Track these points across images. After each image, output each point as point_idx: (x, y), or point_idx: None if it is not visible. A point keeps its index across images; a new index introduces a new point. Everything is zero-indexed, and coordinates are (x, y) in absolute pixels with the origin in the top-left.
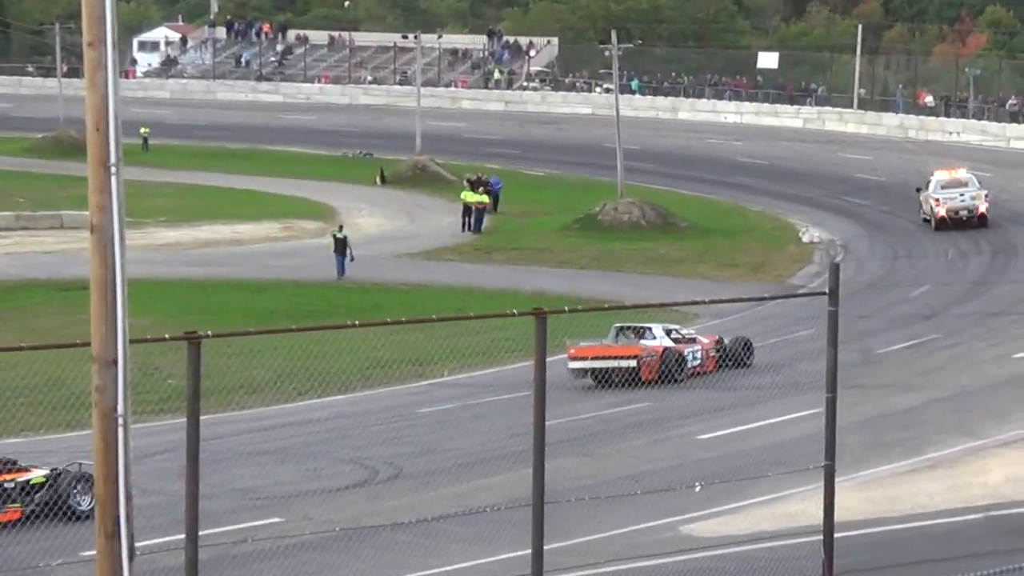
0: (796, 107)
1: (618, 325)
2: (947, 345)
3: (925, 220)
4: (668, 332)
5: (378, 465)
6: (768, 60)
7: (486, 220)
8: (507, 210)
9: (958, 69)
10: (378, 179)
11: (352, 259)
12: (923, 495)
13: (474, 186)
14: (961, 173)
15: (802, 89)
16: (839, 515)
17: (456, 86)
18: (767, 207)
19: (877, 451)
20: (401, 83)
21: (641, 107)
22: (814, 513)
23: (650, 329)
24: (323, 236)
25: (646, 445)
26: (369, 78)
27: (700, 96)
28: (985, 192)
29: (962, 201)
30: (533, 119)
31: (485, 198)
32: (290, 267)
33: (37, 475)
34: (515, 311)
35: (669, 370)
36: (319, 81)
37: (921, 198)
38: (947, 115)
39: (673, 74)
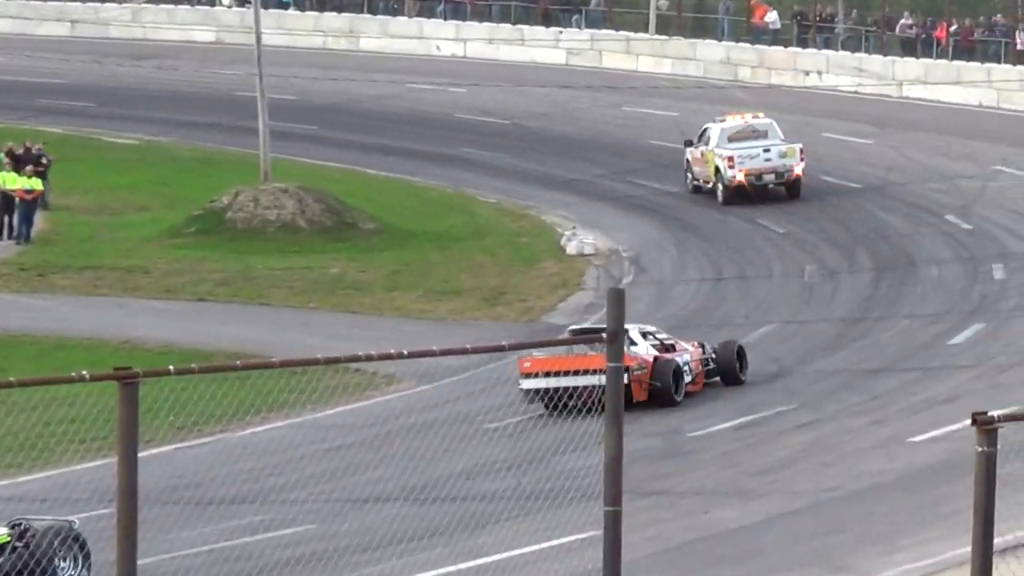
0: (555, 31)
1: (573, 328)
2: (803, 423)
3: (698, 189)
4: (645, 335)
5: None
6: None
7: (38, 219)
8: (71, 203)
9: None
10: None
11: None
12: None
13: (18, 163)
14: (759, 120)
15: (564, 1)
16: None
17: None
18: (508, 196)
19: None
20: None
21: (298, 30)
22: None
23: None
24: None
25: None
26: None
27: (397, 13)
28: (799, 146)
29: (767, 160)
30: (118, 50)
31: (38, 183)
32: None
33: None
34: (86, 373)
35: (664, 388)
36: None
37: (691, 156)
38: (801, 44)
39: None
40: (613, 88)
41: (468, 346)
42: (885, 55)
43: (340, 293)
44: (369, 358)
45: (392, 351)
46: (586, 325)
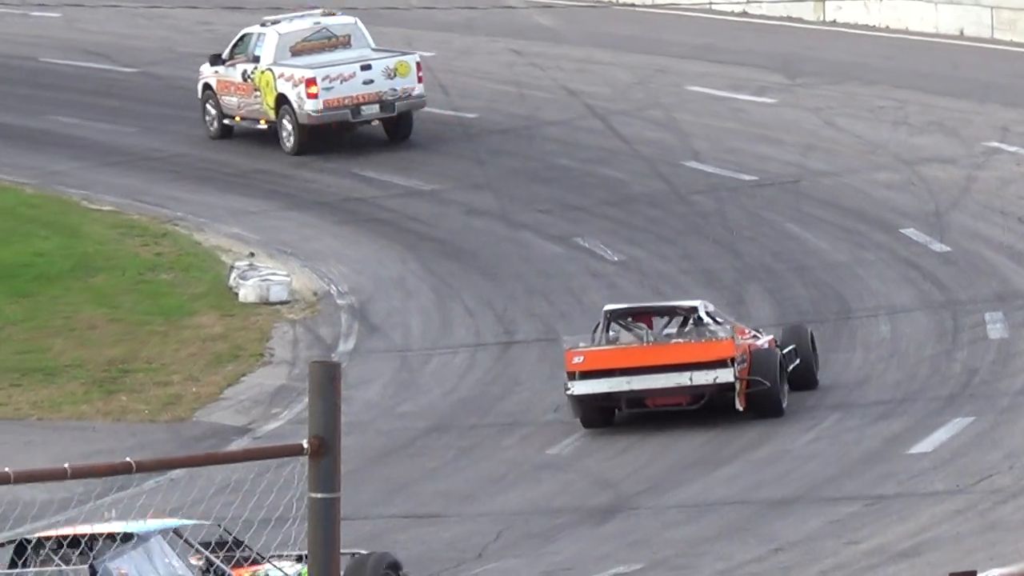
0: None
1: (611, 309)
2: None
3: (227, 132)
4: (713, 317)
5: None
6: None
7: None
8: None
9: None
10: None
11: None
12: None
13: None
14: (334, 20)
15: None
16: None
17: None
18: (135, 201)
19: None
20: None
21: None
22: None
23: (695, 311)
24: None
25: None
26: None
27: None
28: (414, 59)
29: (369, 83)
30: None
31: None
32: None
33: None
34: None
35: (772, 391)
36: None
37: (218, 81)
38: None
39: None
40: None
41: (67, 466)
42: None
43: None
44: None
45: None
46: None
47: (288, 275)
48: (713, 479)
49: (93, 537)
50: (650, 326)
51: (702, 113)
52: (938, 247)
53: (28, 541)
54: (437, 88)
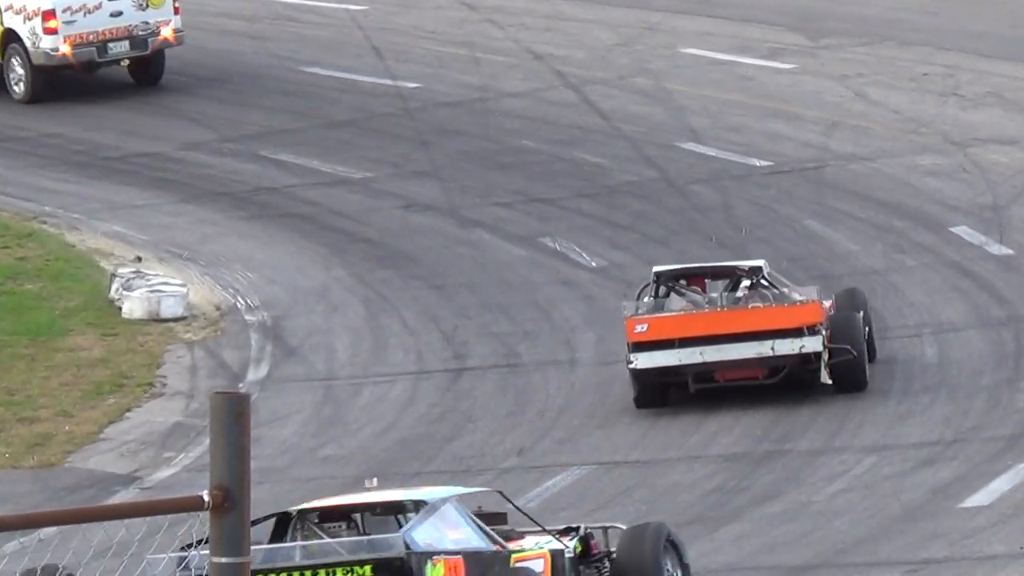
0: None
1: (661, 270)
2: None
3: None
4: (771, 281)
5: None
6: None
7: None
8: None
9: None
10: None
11: None
12: None
13: None
14: None
15: None
16: None
17: None
18: None
19: None
20: None
21: None
22: None
23: (759, 271)
24: None
25: None
26: None
27: None
28: None
29: (118, 16)
30: None
31: None
32: None
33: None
34: None
35: (858, 361)
36: None
37: None
38: None
39: None
40: None
41: None
42: None
43: None
44: None
45: None
46: None
47: (184, 285)
48: (717, 539)
49: (370, 506)
50: (704, 289)
51: (701, 82)
52: (997, 249)
53: (289, 514)
54: (369, 51)
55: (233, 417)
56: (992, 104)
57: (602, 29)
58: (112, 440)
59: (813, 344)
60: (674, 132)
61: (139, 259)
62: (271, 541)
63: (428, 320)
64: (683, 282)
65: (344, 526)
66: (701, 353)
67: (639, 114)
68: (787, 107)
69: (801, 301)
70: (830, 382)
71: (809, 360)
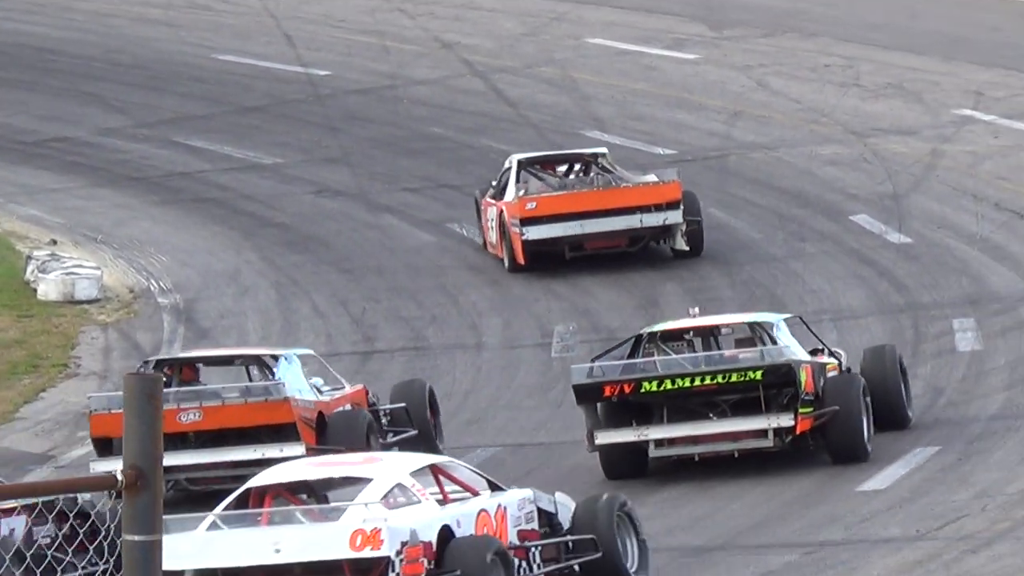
0: None
1: (522, 158)
2: None
3: None
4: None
5: None
6: None
7: None
8: None
9: None
10: None
11: None
12: None
13: None
14: None
15: None
16: None
17: None
18: None
19: None
20: None
21: None
22: None
23: (598, 156)
24: None
25: None
26: None
27: None
28: None
29: None
30: None
31: None
32: None
33: None
34: None
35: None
36: None
37: None
38: None
39: None
40: None
41: None
42: None
43: None
44: None
45: None
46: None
47: (98, 267)
48: None
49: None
50: (554, 173)
51: (606, 71)
52: (896, 238)
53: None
54: (281, 39)
55: (146, 398)
56: (892, 95)
57: (510, 19)
58: (27, 420)
59: (674, 217)
60: (580, 120)
61: (54, 242)
62: (629, 357)
63: (338, 303)
64: (538, 167)
65: (684, 344)
66: (581, 226)
67: (546, 102)
68: (691, 97)
69: (663, 181)
70: (687, 248)
71: (668, 230)
